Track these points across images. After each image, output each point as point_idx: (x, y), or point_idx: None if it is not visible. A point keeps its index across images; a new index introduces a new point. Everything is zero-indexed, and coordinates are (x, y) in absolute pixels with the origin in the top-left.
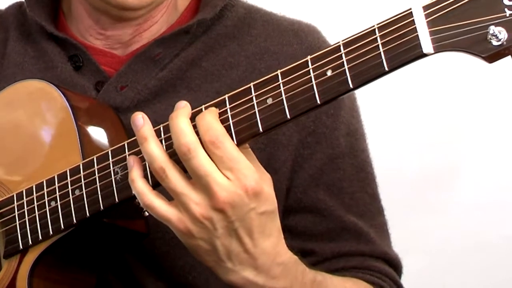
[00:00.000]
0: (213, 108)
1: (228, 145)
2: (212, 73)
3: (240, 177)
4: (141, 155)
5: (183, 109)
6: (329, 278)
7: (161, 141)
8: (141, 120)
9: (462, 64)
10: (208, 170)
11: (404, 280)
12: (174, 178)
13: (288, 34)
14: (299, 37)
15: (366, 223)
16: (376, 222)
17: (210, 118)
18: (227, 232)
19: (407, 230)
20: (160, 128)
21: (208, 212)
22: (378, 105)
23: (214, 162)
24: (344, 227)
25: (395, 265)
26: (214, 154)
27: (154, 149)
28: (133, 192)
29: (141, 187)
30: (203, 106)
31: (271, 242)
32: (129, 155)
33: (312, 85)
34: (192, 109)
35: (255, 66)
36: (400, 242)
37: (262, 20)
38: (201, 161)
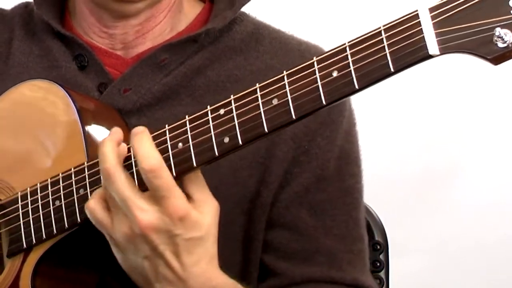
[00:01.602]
0: (148, 134)
1: (165, 175)
2: (217, 84)
3: (168, 204)
4: None
5: (115, 134)
6: None
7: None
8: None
9: (462, 64)
10: (127, 195)
11: (403, 280)
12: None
13: (294, 54)
14: (305, 58)
15: (343, 247)
16: (355, 248)
17: (147, 146)
18: (152, 255)
19: (407, 230)
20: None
21: (132, 234)
22: (378, 105)
23: (149, 189)
24: (318, 250)
25: None
26: (151, 182)
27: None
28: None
29: (96, 192)
30: (208, 108)
31: (200, 267)
32: (133, 155)
33: (318, 85)
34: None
35: (260, 82)
36: (400, 242)
37: (270, 37)
38: (121, 186)
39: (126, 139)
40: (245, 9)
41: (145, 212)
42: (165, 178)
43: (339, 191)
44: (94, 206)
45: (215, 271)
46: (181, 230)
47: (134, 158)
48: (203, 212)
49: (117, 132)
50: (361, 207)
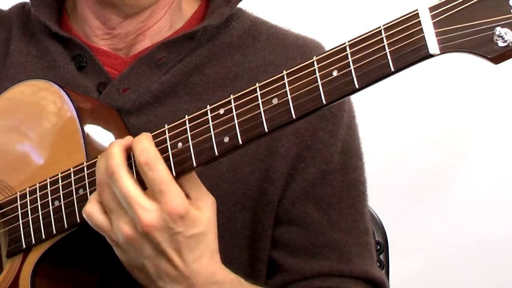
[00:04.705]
0: (149, 134)
1: (160, 168)
2: (215, 81)
3: (167, 201)
4: None
5: (125, 140)
6: None
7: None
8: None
9: (462, 64)
10: (132, 193)
11: (404, 280)
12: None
13: (293, 49)
14: (303, 52)
15: (351, 240)
16: (361, 241)
17: (146, 141)
18: (154, 253)
19: (407, 231)
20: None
21: (134, 234)
22: (378, 105)
23: (146, 184)
24: (326, 244)
25: (378, 284)
26: (146, 175)
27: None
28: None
29: (92, 195)
30: (208, 107)
31: (203, 263)
32: (132, 155)
33: (318, 85)
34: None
35: (259, 78)
36: (400, 242)
37: (268, 33)
38: (127, 185)
39: None
40: (242, 5)
41: (147, 211)
42: (160, 171)
43: (343, 185)
44: (91, 210)
45: (217, 266)
46: (182, 228)
47: (132, 154)
48: (201, 208)
49: (129, 139)
50: (365, 200)
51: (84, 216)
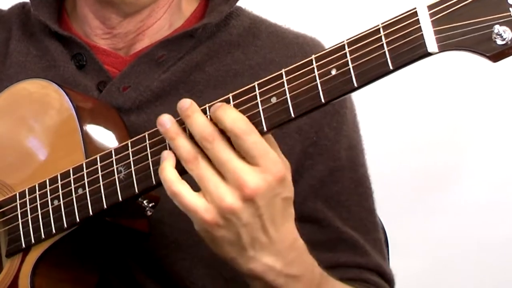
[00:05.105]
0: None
1: (255, 134)
2: (216, 79)
3: (268, 165)
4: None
5: (193, 104)
6: (331, 278)
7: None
8: (187, 102)
9: (461, 64)
10: (234, 158)
11: (404, 280)
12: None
13: (293, 47)
14: (304, 50)
15: (361, 236)
16: (371, 237)
17: (233, 111)
18: (252, 220)
19: (407, 231)
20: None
21: (238, 202)
22: (378, 105)
23: (242, 154)
24: (341, 238)
25: (388, 280)
26: (241, 145)
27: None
28: (161, 180)
29: (170, 175)
30: (207, 106)
31: (288, 227)
32: (132, 153)
33: (317, 84)
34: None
35: (259, 76)
36: (400, 243)
37: (267, 31)
38: (227, 152)
39: (124, 138)
40: (241, 4)
41: (252, 176)
42: (258, 136)
43: (352, 182)
44: (178, 190)
45: (296, 232)
46: (281, 189)
47: (222, 126)
48: (290, 172)
49: (193, 102)
50: (372, 196)
51: (173, 198)
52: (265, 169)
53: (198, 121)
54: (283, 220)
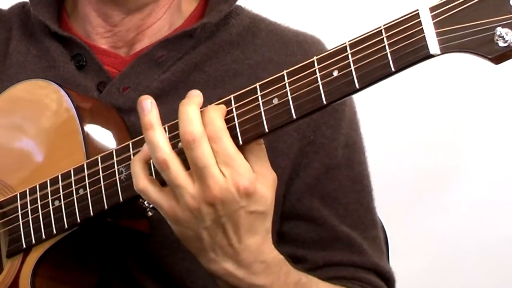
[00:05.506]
0: (221, 106)
1: (226, 141)
2: (215, 78)
3: (234, 175)
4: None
5: (195, 97)
6: (314, 282)
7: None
8: (149, 105)
9: (461, 64)
10: (207, 162)
11: (404, 280)
12: (176, 171)
13: (292, 45)
14: (303, 48)
15: (359, 234)
16: (369, 235)
17: (213, 113)
18: (214, 225)
19: (407, 231)
20: (165, 127)
21: (199, 205)
22: (378, 106)
23: (215, 157)
24: (337, 237)
25: (387, 279)
26: (212, 148)
27: (159, 138)
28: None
29: (138, 170)
30: (209, 106)
31: (256, 241)
32: (133, 154)
33: (318, 85)
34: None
35: (259, 75)
36: (400, 243)
37: (267, 30)
38: (203, 152)
39: (125, 138)
40: (241, 3)
41: (217, 182)
42: (228, 142)
43: (349, 180)
44: (145, 186)
45: (268, 246)
46: (245, 202)
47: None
48: (266, 185)
49: (200, 95)
50: (371, 193)
51: (139, 192)
52: (231, 179)
53: (188, 115)
54: (248, 233)
